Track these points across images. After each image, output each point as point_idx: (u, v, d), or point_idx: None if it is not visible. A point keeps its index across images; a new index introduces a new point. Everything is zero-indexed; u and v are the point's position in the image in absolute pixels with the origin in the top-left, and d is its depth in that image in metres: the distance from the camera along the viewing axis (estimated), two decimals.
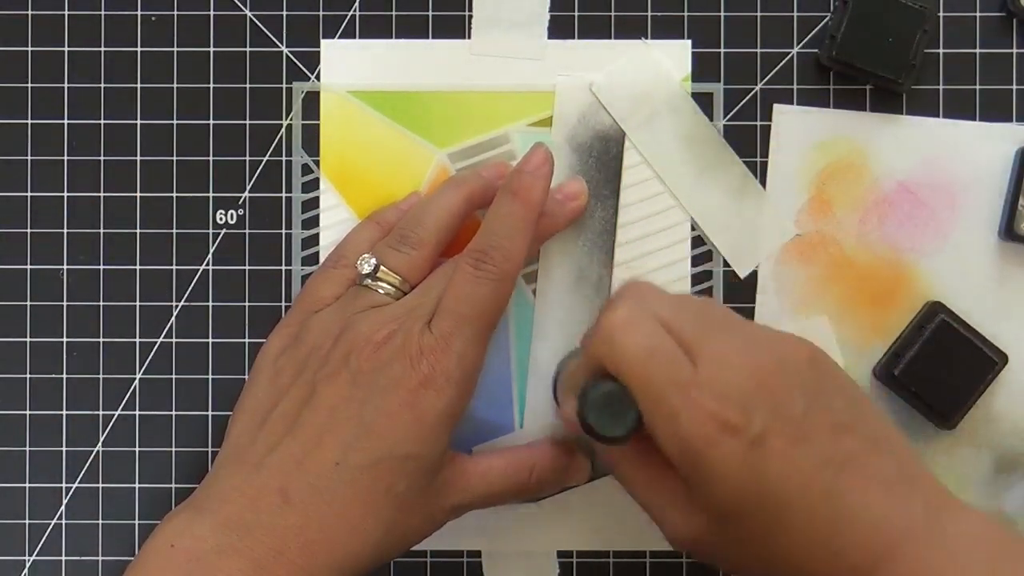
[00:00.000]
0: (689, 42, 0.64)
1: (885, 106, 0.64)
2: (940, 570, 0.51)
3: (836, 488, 0.51)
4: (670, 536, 0.55)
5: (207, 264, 0.65)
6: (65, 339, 0.65)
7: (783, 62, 0.64)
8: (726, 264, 0.64)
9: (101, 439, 0.65)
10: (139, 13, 0.65)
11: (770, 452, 0.51)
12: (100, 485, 0.64)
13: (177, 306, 0.65)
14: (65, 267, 0.65)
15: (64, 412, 0.65)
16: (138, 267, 0.65)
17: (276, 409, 0.57)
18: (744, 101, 0.64)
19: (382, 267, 0.59)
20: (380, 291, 0.59)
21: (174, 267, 0.65)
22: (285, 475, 0.55)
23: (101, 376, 0.65)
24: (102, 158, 0.65)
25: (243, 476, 0.56)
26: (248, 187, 0.65)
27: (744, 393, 0.51)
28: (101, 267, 0.65)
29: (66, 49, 0.65)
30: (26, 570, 0.64)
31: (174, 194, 0.65)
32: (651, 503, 0.55)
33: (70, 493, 0.65)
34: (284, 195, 0.65)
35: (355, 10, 0.65)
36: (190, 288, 0.65)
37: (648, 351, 0.52)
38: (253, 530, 0.54)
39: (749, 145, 0.64)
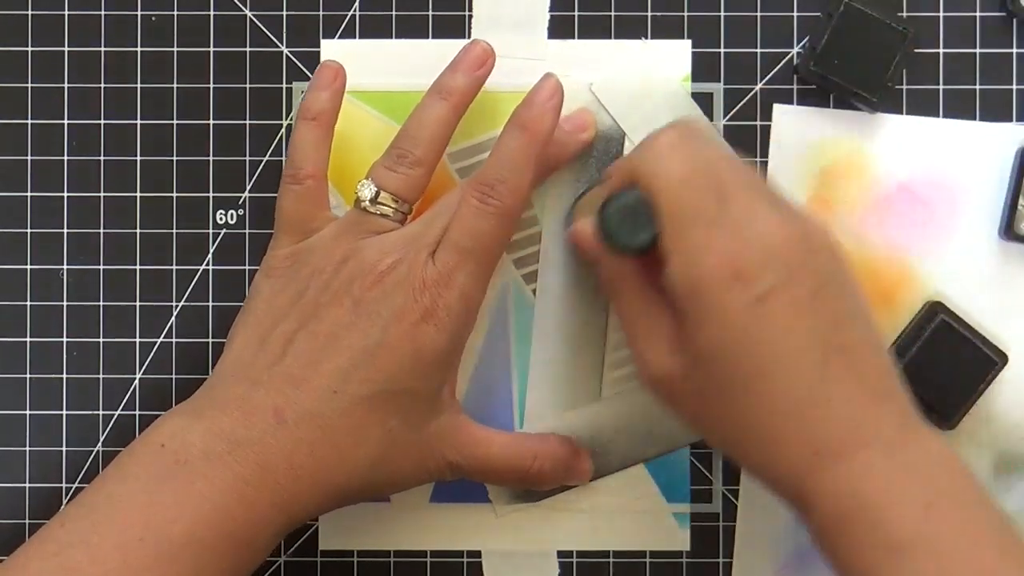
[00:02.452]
0: (689, 42, 0.64)
1: (885, 106, 0.64)
2: (895, 485, 0.50)
3: (825, 371, 0.51)
4: (646, 371, 0.55)
5: (207, 264, 0.65)
6: (65, 339, 0.65)
7: (783, 62, 0.64)
8: None
9: (101, 439, 0.65)
10: (139, 13, 0.65)
11: (772, 312, 0.51)
12: None
13: (177, 306, 0.65)
14: (65, 267, 0.65)
15: (64, 412, 0.65)
16: (138, 267, 0.65)
17: (277, 328, 0.58)
18: (744, 101, 0.64)
19: (382, 191, 0.59)
20: (382, 216, 0.59)
21: (174, 267, 0.65)
22: (282, 395, 0.56)
23: (101, 376, 0.65)
24: (102, 158, 0.65)
25: (242, 390, 0.56)
26: (248, 187, 0.65)
27: (763, 249, 0.51)
28: (101, 267, 0.65)
29: (66, 49, 0.65)
30: None
31: (174, 194, 0.65)
32: (639, 333, 0.55)
33: (70, 493, 0.65)
34: None
35: (355, 10, 0.65)
36: (190, 288, 0.65)
37: (686, 176, 0.53)
38: (243, 445, 0.55)
39: (749, 145, 0.64)
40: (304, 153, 0.60)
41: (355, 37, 0.65)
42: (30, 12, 0.65)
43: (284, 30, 0.65)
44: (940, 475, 0.51)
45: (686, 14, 0.65)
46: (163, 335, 0.65)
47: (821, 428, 0.51)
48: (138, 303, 0.65)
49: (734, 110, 0.64)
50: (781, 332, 0.51)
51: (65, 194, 0.65)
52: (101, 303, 0.65)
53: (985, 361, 0.62)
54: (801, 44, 0.64)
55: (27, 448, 0.65)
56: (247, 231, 0.65)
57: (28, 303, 0.65)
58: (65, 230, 0.65)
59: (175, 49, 0.65)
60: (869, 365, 0.52)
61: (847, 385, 0.52)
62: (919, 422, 0.53)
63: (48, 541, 0.54)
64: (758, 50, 0.64)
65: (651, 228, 0.53)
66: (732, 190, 0.52)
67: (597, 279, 0.60)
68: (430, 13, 0.65)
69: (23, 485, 0.65)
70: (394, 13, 0.65)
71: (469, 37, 0.65)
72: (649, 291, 0.55)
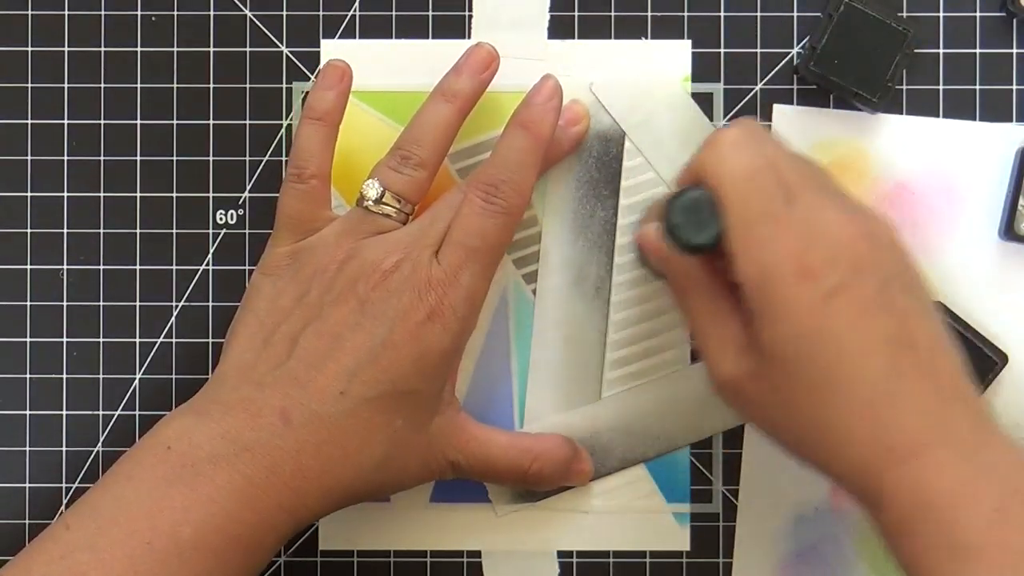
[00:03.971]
0: (689, 42, 0.64)
1: (885, 106, 0.64)
2: (966, 486, 0.50)
3: (896, 366, 0.51)
4: (715, 372, 0.54)
5: (207, 264, 0.65)
6: (65, 339, 0.65)
7: (783, 62, 0.64)
8: None
9: (101, 439, 0.65)
10: (139, 13, 0.65)
11: (840, 309, 0.51)
12: None
13: (177, 306, 0.65)
14: (65, 267, 0.65)
15: (64, 412, 0.65)
16: (138, 267, 0.65)
17: (279, 329, 0.58)
18: (744, 101, 0.64)
19: (387, 192, 0.59)
20: (385, 216, 0.59)
21: (174, 267, 0.65)
22: (288, 397, 0.56)
23: (101, 376, 0.65)
24: (102, 158, 0.65)
25: (247, 391, 0.56)
26: (248, 187, 0.65)
27: (831, 245, 0.51)
28: (101, 267, 0.65)
29: (66, 49, 0.65)
30: None
31: (174, 194, 0.65)
32: (708, 334, 0.55)
33: (70, 493, 0.65)
34: None
35: (355, 10, 0.65)
36: (190, 288, 0.65)
37: (752, 172, 0.52)
38: (250, 447, 0.55)
39: None
40: (309, 152, 0.60)
41: (355, 37, 0.65)
42: (30, 12, 0.65)
43: (284, 30, 0.65)
44: (1013, 478, 0.51)
45: (686, 14, 0.65)
46: (163, 335, 0.65)
47: (893, 425, 0.51)
48: (138, 303, 0.65)
49: (734, 110, 0.64)
50: (849, 329, 0.51)
51: (65, 194, 0.65)
52: (101, 303, 0.65)
53: (985, 361, 0.62)
54: (801, 44, 0.64)
55: (27, 448, 0.65)
56: (247, 231, 0.65)
57: (28, 303, 0.65)
58: (65, 230, 0.65)
59: (175, 49, 0.65)
60: (940, 363, 0.52)
61: (918, 382, 0.51)
62: (994, 424, 0.52)
63: (53, 543, 0.54)
64: (758, 50, 0.64)
65: (716, 225, 0.53)
66: (798, 187, 0.52)
67: (665, 285, 0.59)
68: (430, 13, 0.65)
69: (23, 485, 0.65)
70: (394, 13, 0.65)
71: (469, 37, 0.65)
72: (717, 293, 0.55)
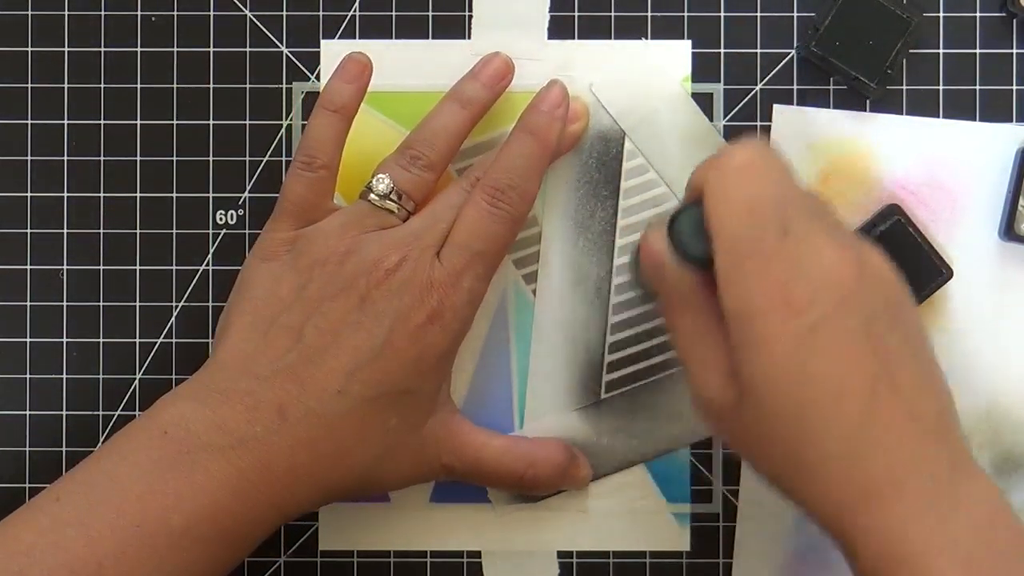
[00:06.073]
0: (689, 42, 0.64)
1: (885, 106, 0.64)
2: (938, 535, 0.49)
3: (875, 409, 0.50)
4: (699, 398, 0.54)
5: (207, 264, 0.65)
6: (65, 339, 0.65)
7: (783, 62, 0.64)
8: None
9: (101, 439, 0.65)
10: (139, 13, 0.65)
11: (822, 343, 0.50)
12: None
13: (177, 306, 0.65)
14: (65, 267, 0.65)
15: (64, 412, 0.65)
16: (138, 267, 0.65)
17: (279, 320, 0.57)
18: (744, 101, 0.64)
19: (394, 189, 0.59)
20: (389, 211, 0.59)
21: (174, 267, 0.65)
22: (286, 393, 0.56)
23: (101, 376, 0.65)
24: (102, 158, 0.65)
25: (246, 384, 0.56)
26: (248, 187, 0.65)
27: (817, 277, 0.50)
28: (101, 267, 0.65)
29: (66, 49, 0.65)
30: None
31: (174, 194, 0.65)
32: (694, 356, 0.54)
33: None
34: None
35: (355, 10, 0.65)
36: (190, 288, 0.65)
37: (753, 206, 0.51)
38: (245, 440, 0.55)
39: None
40: (321, 143, 0.60)
41: (355, 37, 0.65)
42: (30, 12, 0.65)
43: (284, 30, 0.65)
44: (987, 527, 0.50)
45: (686, 14, 0.65)
46: (163, 335, 0.65)
47: (867, 468, 0.50)
48: (138, 303, 0.65)
49: (734, 110, 0.64)
50: (830, 366, 0.50)
51: (65, 194, 0.65)
52: (101, 303, 0.65)
53: (932, 271, 0.62)
54: (801, 44, 0.64)
55: (27, 448, 0.65)
56: (247, 231, 0.65)
57: (28, 303, 0.65)
58: (65, 230, 0.65)
59: (175, 49, 0.65)
60: (922, 403, 0.51)
61: (897, 425, 0.50)
62: (972, 464, 0.52)
63: (42, 514, 0.54)
64: (758, 50, 0.64)
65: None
66: (796, 218, 0.51)
67: (658, 302, 0.58)
68: (430, 13, 0.65)
69: (23, 485, 0.65)
70: (394, 13, 0.65)
71: (469, 37, 0.65)
72: (708, 315, 0.53)
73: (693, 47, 0.64)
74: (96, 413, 0.65)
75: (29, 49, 0.65)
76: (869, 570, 0.50)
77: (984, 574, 0.49)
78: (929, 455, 0.50)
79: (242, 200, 0.65)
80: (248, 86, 0.65)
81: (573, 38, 0.65)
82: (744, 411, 0.51)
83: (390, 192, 0.59)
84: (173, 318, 0.65)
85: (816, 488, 0.51)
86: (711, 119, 0.64)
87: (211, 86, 0.65)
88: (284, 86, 0.65)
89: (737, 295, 0.51)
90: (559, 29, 0.65)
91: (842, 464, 0.50)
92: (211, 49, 0.65)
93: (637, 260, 0.63)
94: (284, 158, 0.65)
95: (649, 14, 0.65)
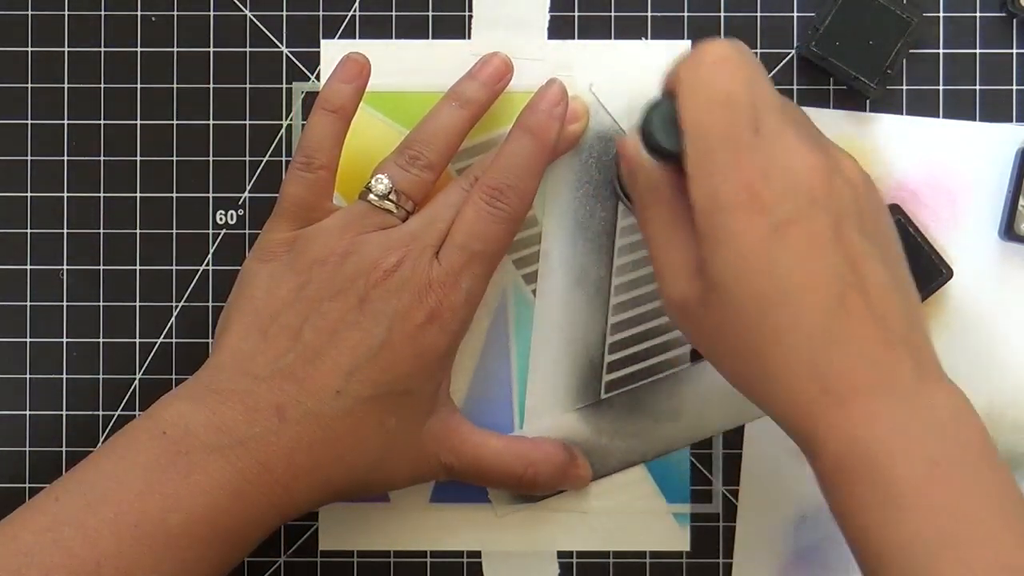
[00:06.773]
0: (689, 42, 0.65)
1: (885, 106, 0.64)
2: (901, 436, 0.49)
3: (840, 309, 0.50)
4: (666, 292, 0.53)
5: (207, 264, 0.65)
6: (65, 339, 0.65)
7: (783, 62, 0.64)
8: None
9: (101, 439, 0.65)
10: (139, 13, 0.65)
11: (789, 242, 0.50)
12: None
13: (177, 306, 0.65)
14: (65, 267, 0.65)
15: (64, 412, 0.65)
16: (138, 267, 0.65)
17: (277, 320, 0.57)
18: None
19: (393, 189, 0.59)
20: (387, 211, 0.59)
21: (174, 267, 0.65)
22: (284, 393, 0.56)
23: (101, 376, 0.65)
24: (102, 158, 0.65)
25: (244, 384, 0.56)
26: (248, 187, 0.65)
27: (786, 178, 0.50)
28: (101, 267, 0.65)
29: (66, 49, 0.65)
30: None
31: (174, 194, 0.65)
32: (664, 253, 0.53)
33: None
34: None
35: (355, 10, 0.65)
36: (190, 288, 0.65)
37: (726, 97, 0.51)
38: (244, 441, 0.55)
39: None
40: (320, 143, 0.60)
41: (355, 37, 0.65)
42: (30, 12, 0.65)
43: (284, 30, 0.65)
44: (951, 430, 0.50)
45: (686, 14, 0.65)
46: (163, 335, 0.65)
47: (831, 366, 0.50)
48: (138, 303, 0.65)
49: None
50: (796, 263, 0.50)
51: (65, 194, 0.65)
52: (101, 303, 0.65)
53: (932, 271, 0.62)
54: (801, 44, 0.64)
55: (27, 449, 0.65)
56: (247, 231, 0.65)
57: (28, 303, 0.65)
58: (65, 230, 0.65)
59: (175, 49, 0.65)
60: (890, 307, 0.51)
61: (862, 326, 0.50)
62: (939, 372, 0.51)
63: (40, 513, 0.54)
64: (758, 50, 0.64)
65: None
66: (768, 118, 0.51)
67: (631, 199, 0.57)
68: (430, 13, 0.65)
69: (23, 485, 0.65)
70: (394, 13, 0.65)
71: (469, 37, 0.65)
72: (679, 213, 0.53)
73: (693, 47, 0.64)
74: (96, 413, 0.65)
75: (29, 49, 0.65)
76: (830, 469, 0.50)
77: (946, 474, 0.49)
78: (893, 358, 0.50)
79: (242, 200, 0.65)
80: (248, 86, 0.65)
81: (573, 38, 0.65)
82: (709, 307, 0.51)
83: (389, 192, 0.59)
84: (173, 318, 0.65)
85: (778, 386, 0.51)
86: None
87: (211, 86, 0.65)
88: (284, 86, 0.65)
89: (705, 187, 0.51)
90: (559, 29, 0.65)
91: (805, 362, 0.50)
92: (211, 49, 0.65)
93: (619, 171, 0.62)
94: (284, 158, 0.65)
95: (649, 14, 0.65)
